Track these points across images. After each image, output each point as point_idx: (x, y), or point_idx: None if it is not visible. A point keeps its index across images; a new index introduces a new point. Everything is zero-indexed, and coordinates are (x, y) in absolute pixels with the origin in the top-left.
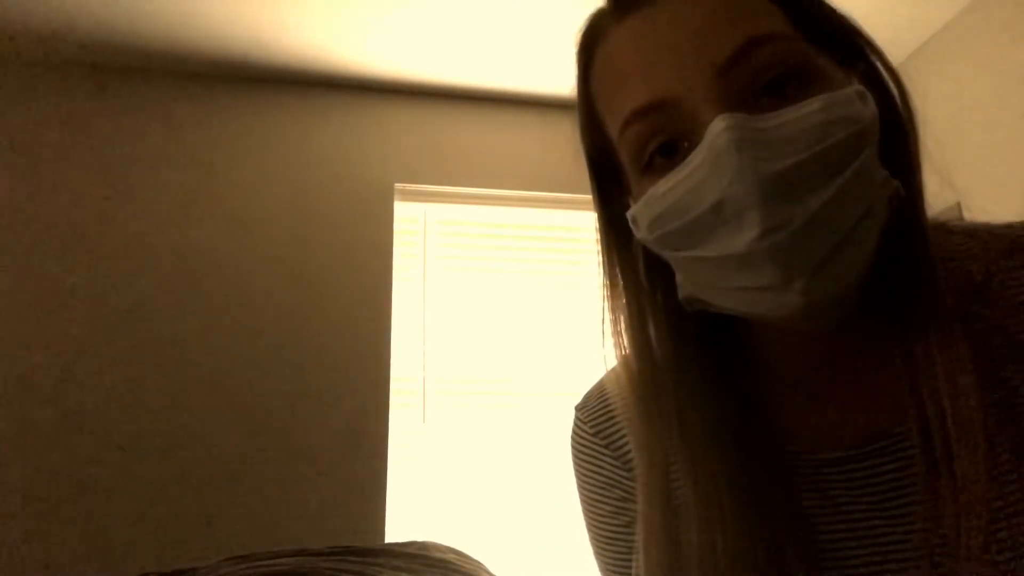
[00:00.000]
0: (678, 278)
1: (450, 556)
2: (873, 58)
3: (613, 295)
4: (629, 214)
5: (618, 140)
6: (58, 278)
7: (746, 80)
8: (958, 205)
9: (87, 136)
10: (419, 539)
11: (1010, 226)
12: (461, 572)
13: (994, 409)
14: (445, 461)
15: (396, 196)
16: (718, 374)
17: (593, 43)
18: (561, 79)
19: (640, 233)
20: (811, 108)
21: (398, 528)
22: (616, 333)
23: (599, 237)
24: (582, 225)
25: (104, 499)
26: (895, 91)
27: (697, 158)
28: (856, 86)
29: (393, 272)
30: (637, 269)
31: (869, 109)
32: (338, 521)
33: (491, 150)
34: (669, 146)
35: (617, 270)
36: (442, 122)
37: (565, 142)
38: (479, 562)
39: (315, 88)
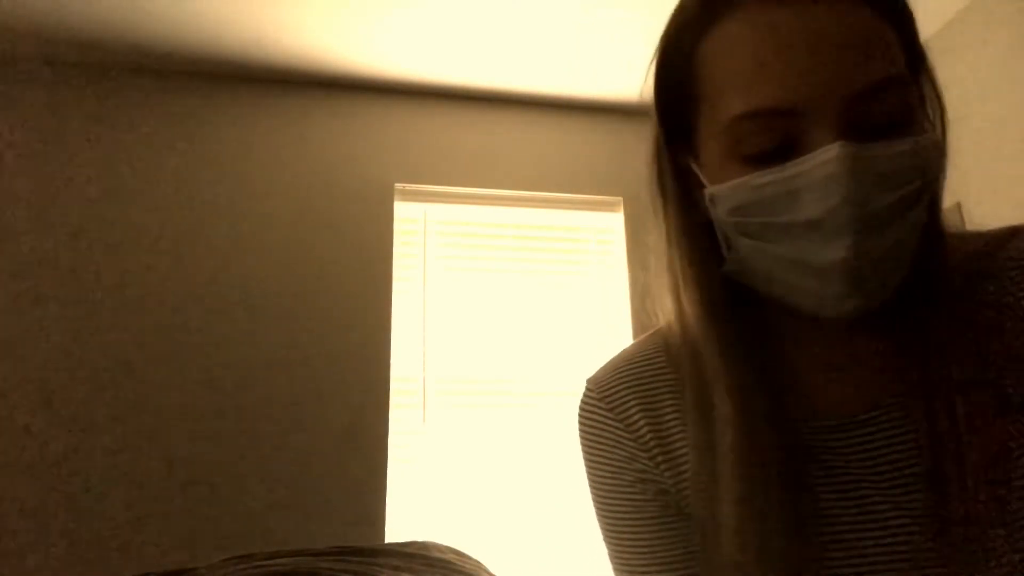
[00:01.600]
0: (733, 254)
1: (450, 556)
2: (925, 80)
3: (666, 238)
4: (708, 192)
5: (724, 123)
6: (56, 277)
7: (865, 114)
8: (958, 205)
9: (87, 135)
10: (419, 539)
11: (997, 229)
12: (461, 572)
13: (991, 391)
14: (445, 461)
15: (396, 196)
16: (743, 329)
17: (723, 6)
18: (561, 80)
19: (716, 212)
20: (903, 149)
21: (398, 528)
22: (667, 274)
23: (655, 180)
24: (582, 225)
25: (104, 499)
26: (934, 115)
27: (804, 167)
28: (936, 135)
29: (393, 272)
30: (688, 216)
31: (943, 159)
32: (338, 521)
33: (491, 150)
34: (773, 143)
35: (670, 219)
36: (442, 122)
37: (565, 142)
38: (479, 562)
39: (315, 88)
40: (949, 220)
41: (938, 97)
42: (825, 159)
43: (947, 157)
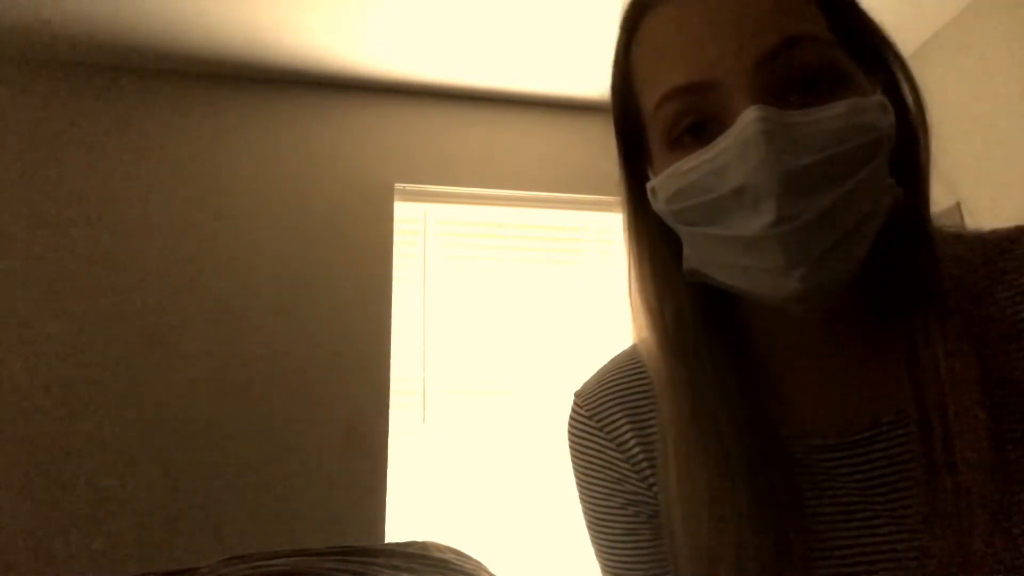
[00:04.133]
0: (685, 251)
1: (450, 556)
2: (897, 70)
3: (635, 246)
4: (649, 186)
5: (652, 113)
6: (56, 278)
7: (781, 75)
8: (958, 205)
9: (86, 136)
10: (419, 539)
11: (997, 231)
12: (461, 572)
13: (991, 401)
14: (445, 461)
15: (396, 196)
16: (725, 348)
17: (639, 15)
18: (561, 79)
19: (657, 205)
20: (836, 111)
21: (398, 528)
22: (637, 289)
23: (623, 201)
24: (582, 225)
25: (105, 499)
26: (912, 104)
27: (724, 142)
28: (879, 96)
29: (393, 272)
30: (652, 234)
31: (888, 120)
32: (338, 521)
33: (491, 150)
34: (699, 126)
35: (639, 232)
36: (442, 122)
37: (565, 142)
38: (479, 562)
39: (315, 88)
40: (949, 220)
41: (907, 74)
42: (741, 126)
43: (926, 133)
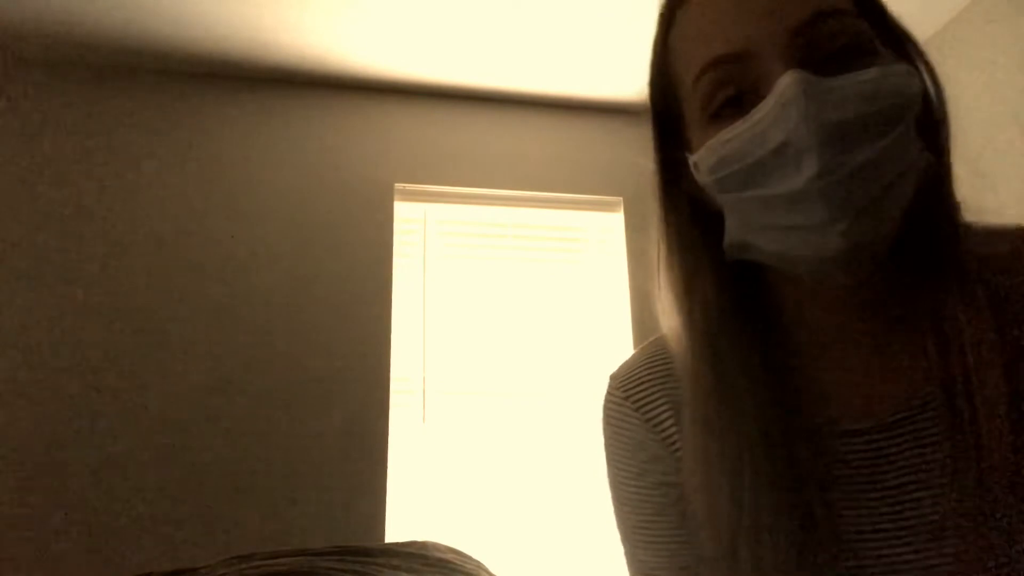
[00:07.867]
0: (728, 223)
1: (450, 556)
2: (916, 58)
3: (665, 232)
4: (692, 160)
5: (691, 89)
6: (55, 278)
7: (814, 45)
8: (959, 204)
9: (86, 136)
10: (419, 539)
11: (1006, 225)
12: (461, 572)
13: (1014, 384)
14: (445, 460)
15: (396, 196)
16: (754, 333)
17: (677, 5)
18: (562, 79)
19: (701, 177)
20: (867, 76)
21: (398, 528)
22: (666, 274)
23: (656, 187)
24: (582, 225)
25: (105, 499)
26: (933, 90)
27: (763, 108)
28: (905, 64)
29: (393, 272)
30: (682, 220)
31: (915, 85)
32: (338, 521)
33: (491, 150)
34: (737, 99)
35: (670, 217)
36: (442, 122)
37: (565, 142)
38: (479, 562)
39: (315, 88)
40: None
41: (926, 62)
42: (780, 89)
43: (946, 117)
